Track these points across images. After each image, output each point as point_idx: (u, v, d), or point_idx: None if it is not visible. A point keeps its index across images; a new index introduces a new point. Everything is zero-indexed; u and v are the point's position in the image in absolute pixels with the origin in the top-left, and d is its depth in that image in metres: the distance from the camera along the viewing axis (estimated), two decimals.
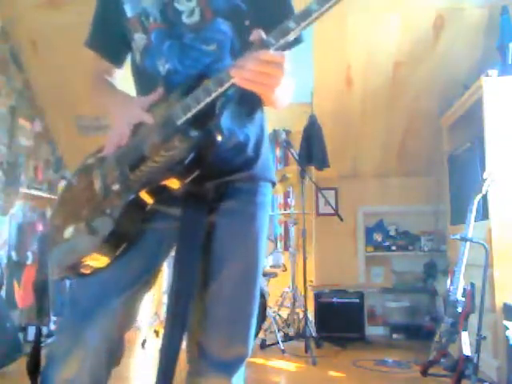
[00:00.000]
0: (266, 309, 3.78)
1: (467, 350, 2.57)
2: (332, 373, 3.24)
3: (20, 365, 2.87)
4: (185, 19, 1.13)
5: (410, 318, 4.38)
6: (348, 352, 3.79)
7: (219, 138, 1.02)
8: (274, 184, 1.26)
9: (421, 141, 4.37)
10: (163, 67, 1.14)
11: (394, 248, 4.61)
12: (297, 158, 4.10)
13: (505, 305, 2.80)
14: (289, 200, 5.31)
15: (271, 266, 4.33)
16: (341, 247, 4.69)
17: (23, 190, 3.82)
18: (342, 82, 4.02)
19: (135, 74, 1.24)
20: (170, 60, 1.14)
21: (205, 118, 1.01)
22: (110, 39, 1.26)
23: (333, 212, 4.15)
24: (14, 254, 3.83)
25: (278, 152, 5.56)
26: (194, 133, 1.00)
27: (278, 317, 4.31)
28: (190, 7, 1.13)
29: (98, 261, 1.06)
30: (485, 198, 2.90)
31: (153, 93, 1.10)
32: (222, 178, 1.15)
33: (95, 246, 1.04)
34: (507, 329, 2.65)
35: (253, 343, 1.20)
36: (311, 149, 4.21)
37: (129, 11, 1.18)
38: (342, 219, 4.03)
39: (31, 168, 4.13)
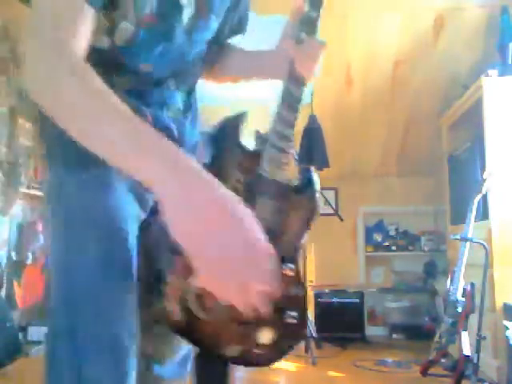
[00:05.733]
0: None
1: (467, 350, 2.57)
2: (332, 373, 3.24)
3: (20, 365, 2.88)
4: (183, 16, 0.91)
5: (410, 318, 4.38)
6: (348, 352, 3.79)
7: None
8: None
9: (421, 141, 4.37)
10: (145, 67, 0.93)
11: (394, 248, 4.61)
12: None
13: (505, 305, 2.80)
14: None
15: None
16: (341, 247, 4.69)
17: (23, 190, 3.82)
18: (341, 82, 4.02)
19: (94, 55, 0.77)
20: (158, 66, 0.94)
21: None
22: None
23: (333, 212, 4.14)
24: (13, 254, 3.83)
25: None
26: None
27: None
28: (190, 1, 0.90)
29: None
30: (485, 197, 2.90)
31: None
32: None
33: None
34: (507, 329, 2.65)
35: None
36: (311, 149, 4.20)
37: None
38: (342, 219, 4.03)
39: (31, 168, 4.12)
